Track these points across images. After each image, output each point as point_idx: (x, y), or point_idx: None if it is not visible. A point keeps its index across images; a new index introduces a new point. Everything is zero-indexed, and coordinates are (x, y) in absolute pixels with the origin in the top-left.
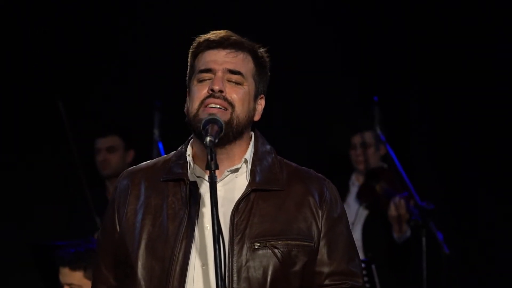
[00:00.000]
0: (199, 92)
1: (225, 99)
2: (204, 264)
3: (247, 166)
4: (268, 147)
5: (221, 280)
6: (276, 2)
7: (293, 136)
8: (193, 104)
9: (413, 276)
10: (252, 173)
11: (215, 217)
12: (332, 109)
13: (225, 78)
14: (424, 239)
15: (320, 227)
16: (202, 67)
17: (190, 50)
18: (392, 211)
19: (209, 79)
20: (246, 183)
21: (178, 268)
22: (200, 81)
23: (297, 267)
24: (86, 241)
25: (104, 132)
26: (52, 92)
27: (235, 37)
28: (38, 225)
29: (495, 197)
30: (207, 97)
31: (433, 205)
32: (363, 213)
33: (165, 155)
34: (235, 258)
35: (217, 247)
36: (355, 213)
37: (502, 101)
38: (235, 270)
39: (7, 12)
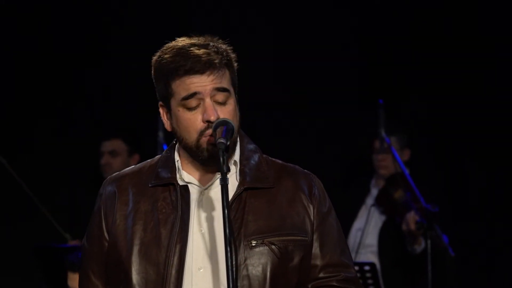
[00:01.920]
0: (193, 123)
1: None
2: (201, 267)
3: (236, 167)
4: (253, 146)
5: (233, 282)
6: (286, 5)
7: (298, 138)
8: (190, 135)
9: (419, 279)
10: (242, 172)
11: (226, 219)
12: (339, 111)
13: (212, 101)
14: (429, 241)
15: (312, 221)
16: (186, 93)
17: (160, 69)
18: (405, 225)
19: (196, 106)
20: (237, 183)
21: (173, 272)
22: (188, 108)
23: (295, 262)
24: None
25: (108, 135)
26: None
27: (216, 59)
28: (42, 226)
29: (501, 199)
30: (205, 129)
31: (438, 208)
32: (381, 218)
33: (149, 160)
34: (233, 257)
35: (228, 249)
36: (370, 215)
37: (507, 104)
38: (234, 268)
39: (11, 10)
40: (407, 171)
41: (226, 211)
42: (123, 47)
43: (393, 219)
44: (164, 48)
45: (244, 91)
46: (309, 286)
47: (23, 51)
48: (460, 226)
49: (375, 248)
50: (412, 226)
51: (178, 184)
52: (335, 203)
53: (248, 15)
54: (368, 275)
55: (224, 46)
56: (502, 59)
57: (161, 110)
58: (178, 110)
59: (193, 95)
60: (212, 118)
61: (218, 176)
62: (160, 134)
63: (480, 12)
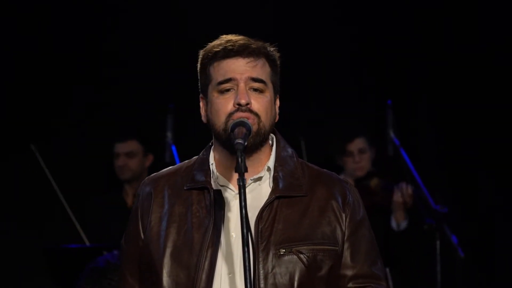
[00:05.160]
0: (224, 106)
1: (251, 111)
2: (231, 272)
3: (270, 173)
4: (290, 150)
5: (250, 283)
6: (296, 4)
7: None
8: (219, 118)
9: (427, 279)
10: (275, 180)
11: (244, 220)
12: (345, 112)
13: (247, 88)
14: (438, 242)
15: (344, 230)
16: (222, 78)
17: (203, 58)
18: (399, 197)
19: (230, 90)
20: (269, 190)
21: (204, 277)
22: (222, 92)
23: (323, 272)
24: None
25: (123, 137)
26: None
27: (253, 44)
28: (50, 227)
29: (509, 199)
30: (234, 111)
31: (447, 209)
32: None
33: (187, 161)
34: (261, 265)
35: (245, 249)
36: None
37: None
38: (261, 276)
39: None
40: (374, 170)
41: (243, 211)
42: (134, 49)
43: (373, 211)
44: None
45: None
46: None
47: (29, 51)
48: (470, 227)
49: None
50: (407, 198)
51: (212, 188)
52: None
53: (252, 16)
54: None
55: (267, 45)
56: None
57: (201, 104)
58: (213, 96)
59: (228, 80)
60: (243, 102)
61: (251, 181)
62: (169, 135)
63: (487, 14)
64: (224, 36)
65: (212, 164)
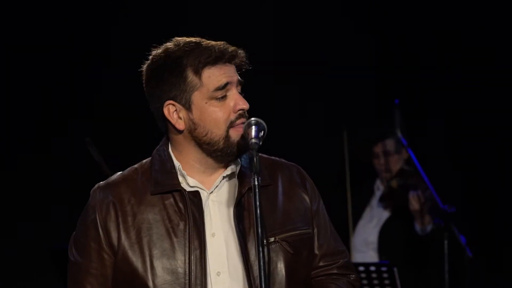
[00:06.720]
0: (223, 114)
1: (246, 116)
2: (220, 272)
3: (237, 168)
4: None
5: (265, 281)
6: (301, 2)
7: (311, 140)
8: (219, 126)
9: (436, 279)
10: (240, 172)
11: (259, 220)
12: (353, 113)
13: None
14: (446, 242)
15: (311, 212)
16: (218, 84)
17: (175, 62)
18: (412, 205)
19: (224, 96)
20: (237, 183)
21: (196, 280)
22: (218, 99)
23: (304, 255)
24: None
25: None
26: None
27: (241, 51)
28: (57, 226)
29: None
30: (236, 118)
31: (455, 208)
32: (384, 214)
33: (136, 166)
34: (249, 257)
35: (260, 249)
36: (377, 215)
37: None
38: (252, 268)
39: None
40: (407, 169)
41: (258, 211)
42: (131, 48)
43: (398, 212)
44: (171, 46)
45: (259, 97)
46: (311, 274)
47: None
48: (478, 227)
49: (375, 245)
50: (418, 205)
51: (185, 190)
52: (343, 205)
53: (254, 15)
54: (385, 275)
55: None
56: None
57: (166, 110)
58: (206, 103)
59: (226, 85)
60: (246, 107)
61: (221, 178)
62: None
63: (497, 14)
64: (179, 38)
65: (179, 165)
